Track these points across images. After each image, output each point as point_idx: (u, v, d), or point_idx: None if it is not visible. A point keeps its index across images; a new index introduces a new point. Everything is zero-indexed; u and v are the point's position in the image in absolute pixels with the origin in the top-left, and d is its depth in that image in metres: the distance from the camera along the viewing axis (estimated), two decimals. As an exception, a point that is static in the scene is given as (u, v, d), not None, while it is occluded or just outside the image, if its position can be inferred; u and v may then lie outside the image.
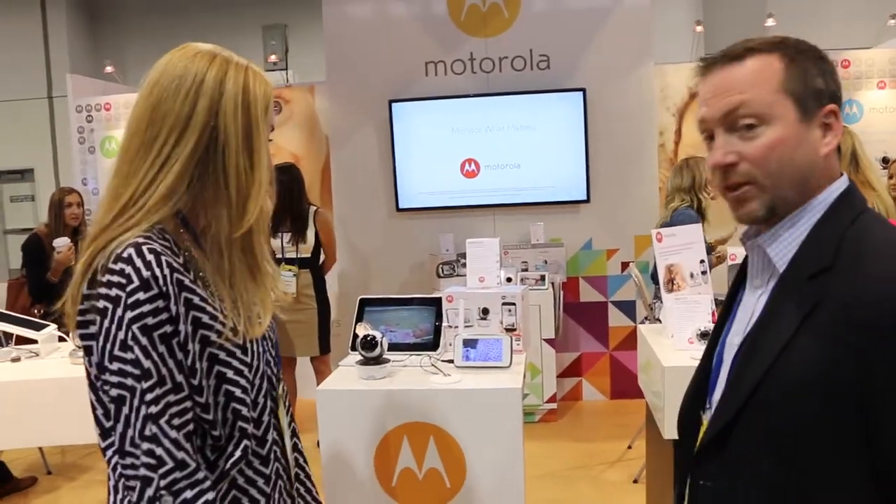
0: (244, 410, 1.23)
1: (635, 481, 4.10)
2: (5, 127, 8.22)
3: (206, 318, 1.19)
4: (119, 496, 1.16)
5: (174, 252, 1.19)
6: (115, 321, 1.12)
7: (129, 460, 1.13)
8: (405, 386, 2.47)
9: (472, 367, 2.57)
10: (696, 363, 1.32)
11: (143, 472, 1.12)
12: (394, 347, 2.65)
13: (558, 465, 4.42)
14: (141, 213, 1.19)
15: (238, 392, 1.23)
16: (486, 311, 2.84)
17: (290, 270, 4.71)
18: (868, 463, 1.02)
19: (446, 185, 5.71)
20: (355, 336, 2.56)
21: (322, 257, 4.91)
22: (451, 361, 2.60)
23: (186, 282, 1.17)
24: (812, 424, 1.03)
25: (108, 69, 7.16)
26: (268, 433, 1.29)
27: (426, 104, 5.66)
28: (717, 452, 1.14)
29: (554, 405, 5.23)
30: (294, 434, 1.52)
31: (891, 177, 4.53)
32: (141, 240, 1.16)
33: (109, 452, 1.16)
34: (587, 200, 5.59)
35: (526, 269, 5.28)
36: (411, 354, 2.68)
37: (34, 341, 3.57)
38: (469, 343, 2.60)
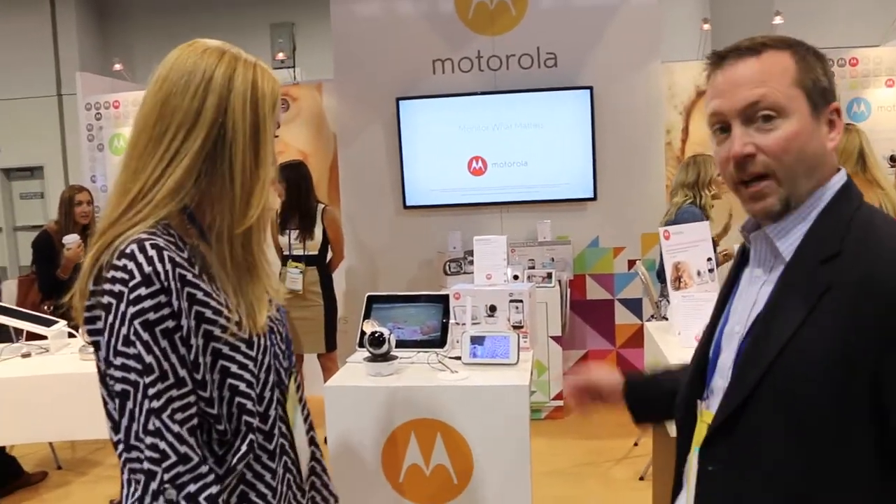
0: (249, 405, 1.23)
1: (641, 478, 4.11)
2: (15, 124, 8.25)
3: (209, 313, 1.19)
4: (130, 489, 1.17)
5: (178, 247, 1.20)
6: (119, 317, 1.13)
7: (134, 454, 1.14)
8: (413, 382, 2.48)
9: (480, 364, 2.58)
10: None
11: (146, 465, 1.13)
12: (401, 344, 2.66)
13: (565, 463, 4.43)
14: (149, 208, 1.20)
15: (242, 386, 1.23)
16: (493, 309, 2.86)
17: (297, 267, 4.72)
18: (874, 441, 1.06)
19: (454, 183, 5.72)
20: (363, 333, 2.57)
21: (329, 255, 4.93)
22: (458, 358, 2.61)
23: (189, 276, 1.18)
24: (824, 402, 1.07)
25: (117, 67, 7.19)
26: (275, 427, 1.29)
27: (434, 102, 5.67)
28: (726, 436, 1.16)
29: (560, 402, 5.23)
30: (311, 428, 1.52)
31: (899, 174, 4.53)
32: (144, 236, 1.17)
33: (121, 447, 1.17)
34: (594, 198, 5.60)
35: (533, 267, 5.29)
36: (419, 351, 2.70)
37: (44, 337, 3.60)
38: (476, 340, 2.61)
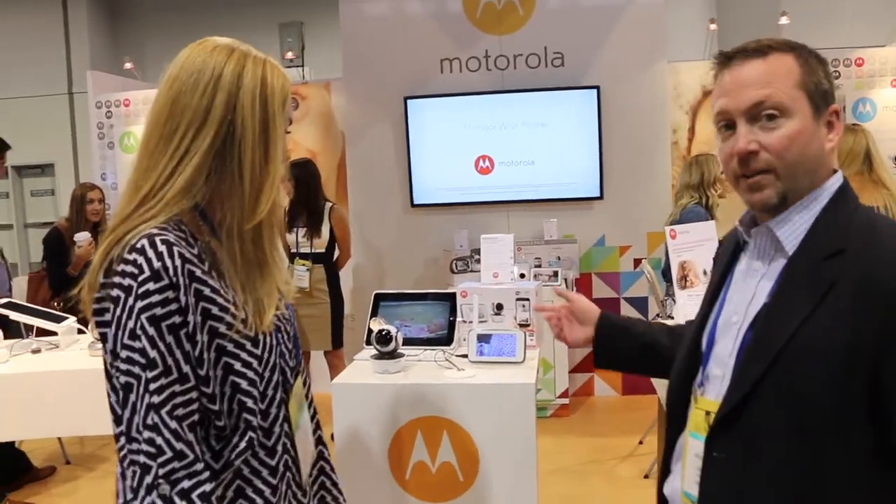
0: (250, 402, 1.24)
1: (646, 476, 4.12)
2: (27, 122, 8.29)
3: (215, 310, 1.20)
4: (126, 481, 1.17)
5: (189, 243, 1.21)
6: (126, 310, 1.14)
7: (134, 446, 1.15)
8: (419, 380, 2.49)
9: (486, 362, 2.59)
10: None
11: (142, 459, 1.13)
12: (408, 342, 2.67)
13: (570, 460, 4.44)
14: (160, 206, 1.21)
15: (244, 384, 1.23)
16: (500, 307, 2.87)
17: (304, 265, 4.75)
18: (873, 440, 1.10)
19: (461, 182, 5.74)
20: (370, 331, 2.58)
21: (336, 253, 4.95)
22: (465, 356, 2.62)
23: (198, 273, 1.19)
24: (824, 401, 1.11)
25: (128, 66, 7.22)
26: (275, 425, 1.29)
27: (441, 101, 5.69)
28: (733, 424, 1.19)
29: (566, 400, 5.25)
30: (318, 427, 1.54)
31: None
32: (155, 231, 1.17)
33: (122, 439, 1.18)
34: (600, 197, 5.61)
35: (539, 266, 5.30)
36: (425, 349, 2.70)
37: (54, 333, 3.63)
38: (483, 338, 2.62)
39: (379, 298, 2.83)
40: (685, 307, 2.81)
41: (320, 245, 4.81)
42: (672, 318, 3.38)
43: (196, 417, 1.18)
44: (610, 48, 5.58)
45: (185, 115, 1.23)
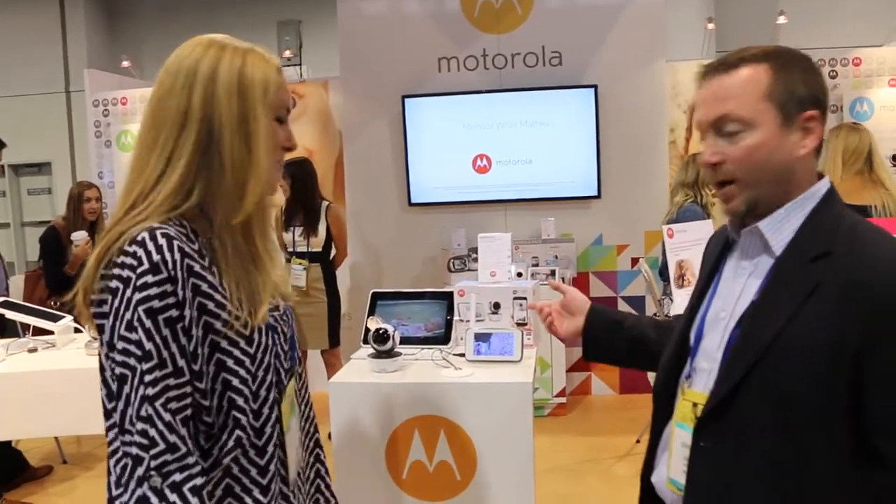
0: (240, 400, 1.24)
1: (644, 476, 4.12)
2: (24, 121, 8.29)
3: (211, 305, 1.20)
4: (117, 473, 1.17)
5: (191, 239, 1.21)
6: (124, 301, 1.14)
7: (126, 438, 1.15)
8: (416, 379, 2.49)
9: (484, 361, 2.59)
10: None
11: (135, 451, 1.13)
12: (405, 341, 2.67)
13: (567, 459, 4.44)
14: (151, 209, 1.21)
15: (235, 381, 1.23)
16: (497, 306, 2.87)
17: (300, 264, 4.75)
18: (854, 439, 1.15)
19: (458, 181, 5.74)
20: (367, 329, 2.58)
21: (333, 251, 4.95)
22: (462, 355, 2.62)
23: (197, 268, 1.19)
24: (812, 387, 1.15)
25: (125, 64, 7.22)
26: (267, 426, 1.28)
27: (439, 100, 5.68)
28: (721, 415, 1.24)
29: (563, 399, 5.25)
30: (315, 430, 1.54)
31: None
32: (156, 225, 1.18)
33: (111, 434, 1.18)
34: (598, 196, 5.61)
35: (537, 264, 5.30)
36: (423, 348, 2.71)
37: (51, 332, 3.62)
38: (480, 337, 2.62)
39: (376, 297, 2.83)
40: (682, 306, 2.81)
41: (317, 244, 4.80)
42: (669, 316, 3.38)
43: (189, 412, 1.18)
44: (608, 47, 5.58)
45: (168, 117, 1.23)
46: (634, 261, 5.58)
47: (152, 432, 1.13)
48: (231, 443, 1.23)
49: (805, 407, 1.15)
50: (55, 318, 3.65)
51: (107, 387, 1.20)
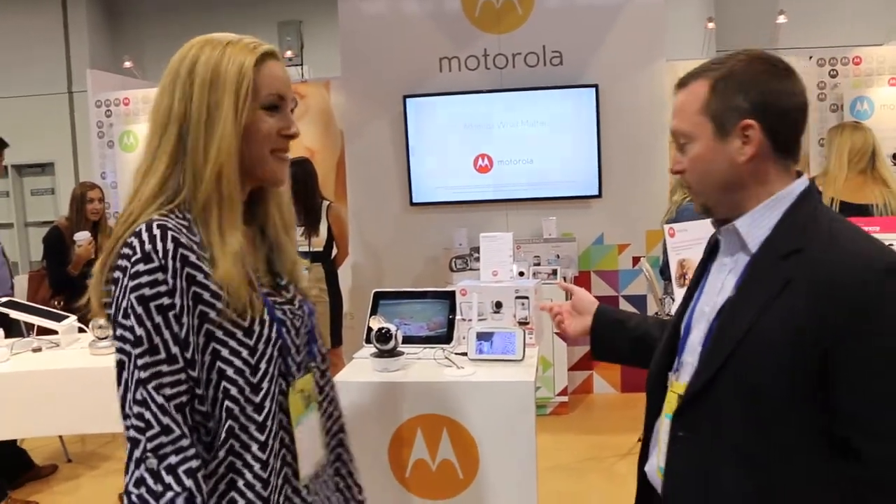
0: (233, 391, 1.25)
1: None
2: (27, 121, 8.30)
3: (207, 296, 1.22)
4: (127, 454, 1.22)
5: (193, 231, 1.25)
6: (122, 290, 1.19)
7: (127, 422, 1.19)
8: (419, 378, 2.50)
9: (486, 360, 2.59)
10: None
11: (132, 433, 1.17)
12: (408, 340, 2.68)
13: (569, 458, 4.45)
14: (139, 206, 1.26)
15: (230, 371, 1.25)
16: (499, 305, 2.88)
17: (302, 264, 4.75)
18: (818, 412, 1.19)
19: (460, 180, 5.75)
20: (370, 329, 2.58)
21: (334, 251, 4.96)
22: (464, 354, 2.62)
23: (192, 258, 1.22)
24: (778, 380, 1.19)
25: (127, 64, 7.24)
26: (269, 419, 1.29)
27: (440, 100, 5.70)
28: (697, 406, 1.29)
29: (565, 398, 5.26)
30: (340, 429, 1.57)
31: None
32: (156, 217, 1.22)
33: (122, 419, 1.22)
34: (599, 195, 5.62)
35: (538, 264, 5.31)
36: (425, 347, 2.71)
37: (55, 332, 3.64)
38: (482, 336, 2.63)
39: (378, 297, 2.84)
40: (683, 305, 2.83)
41: (318, 244, 4.81)
42: (671, 315, 3.39)
43: (185, 399, 1.21)
44: (608, 47, 5.59)
45: (158, 117, 1.29)
46: (636, 260, 5.59)
47: (147, 415, 1.17)
48: (223, 433, 1.25)
49: (773, 400, 1.20)
50: (59, 318, 3.66)
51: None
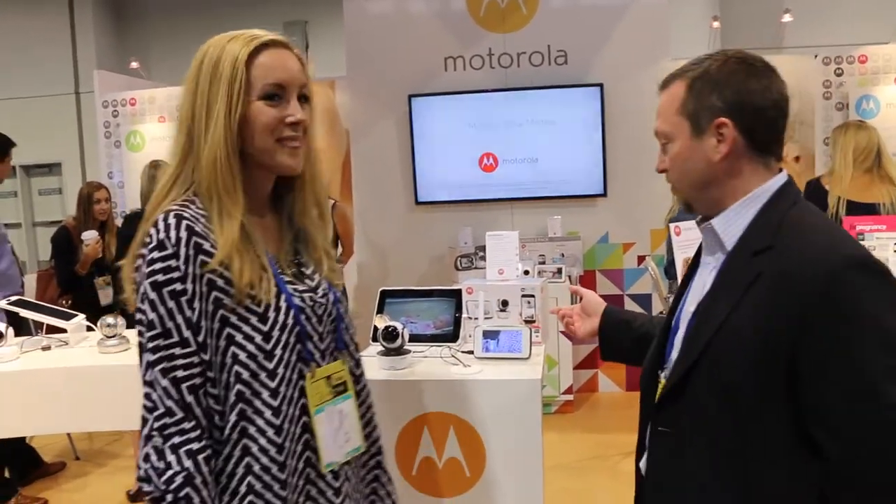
0: (245, 374, 1.28)
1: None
2: (34, 122, 8.33)
3: (221, 282, 1.27)
4: None
5: (208, 219, 1.30)
6: (142, 276, 1.26)
7: (142, 401, 1.25)
8: (426, 376, 2.50)
9: (492, 358, 2.60)
10: None
11: (143, 412, 1.24)
12: (414, 338, 2.68)
13: (574, 456, 4.46)
14: (156, 200, 1.34)
15: (242, 356, 1.28)
16: (505, 303, 2.89)
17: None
18: (790, 408, 1.19)
19: (465, 179, 5.76)
20: (376, 328, 2.59)
21: (339, 250, 4.97)
22: (471, 352, 2.63)
23: (206, 246, 1.27)
24: (749, 377, 1.20)
25: (134, 65, 7.25)
26: (284, 404, 1.31)
27: (445, 99, 5.71)
28: (674, 402, 1.31)
29: (570, 396, 5.27)
30: (368, 423, 1.55)
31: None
32: (174, 207, 1.29)
33: None
34: (604, 194, 5.63)
35: (543, 262, 5.32)
36: (431, 345, 2.72)
37: (64, 330, 3.65)
38: (489, 334, 2.63)
39: (385, 295, 2.84)
40: (688, 303, 2.84)
41: (324, 243, 4.82)
42: (675, 314, 3.40)
43: (198, 381, 1.25)
44: (613, 46, 5.59)
45: (179, 116, 1.36)
46: (641, 258, 5.60)
47: (154, 396, 1.23)
48: (234, 417, 1.28)
49: (746, 397, 1.20)
50: (68, 317, 3.68)
51: None
